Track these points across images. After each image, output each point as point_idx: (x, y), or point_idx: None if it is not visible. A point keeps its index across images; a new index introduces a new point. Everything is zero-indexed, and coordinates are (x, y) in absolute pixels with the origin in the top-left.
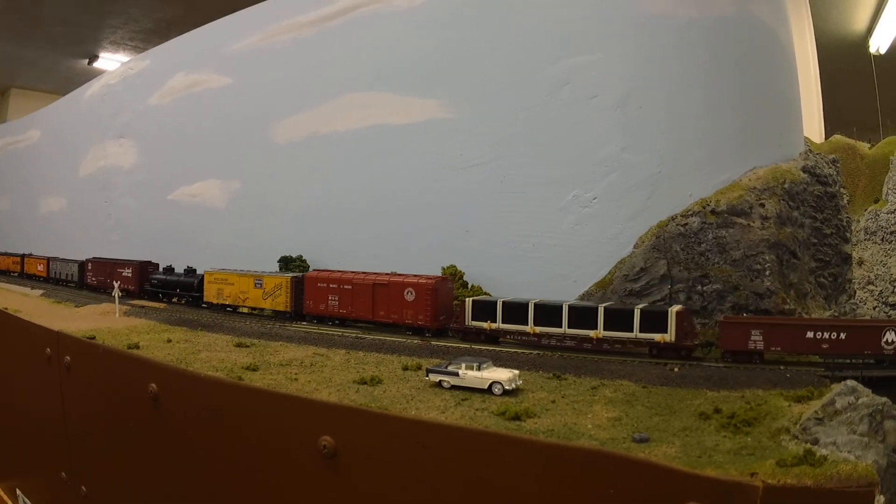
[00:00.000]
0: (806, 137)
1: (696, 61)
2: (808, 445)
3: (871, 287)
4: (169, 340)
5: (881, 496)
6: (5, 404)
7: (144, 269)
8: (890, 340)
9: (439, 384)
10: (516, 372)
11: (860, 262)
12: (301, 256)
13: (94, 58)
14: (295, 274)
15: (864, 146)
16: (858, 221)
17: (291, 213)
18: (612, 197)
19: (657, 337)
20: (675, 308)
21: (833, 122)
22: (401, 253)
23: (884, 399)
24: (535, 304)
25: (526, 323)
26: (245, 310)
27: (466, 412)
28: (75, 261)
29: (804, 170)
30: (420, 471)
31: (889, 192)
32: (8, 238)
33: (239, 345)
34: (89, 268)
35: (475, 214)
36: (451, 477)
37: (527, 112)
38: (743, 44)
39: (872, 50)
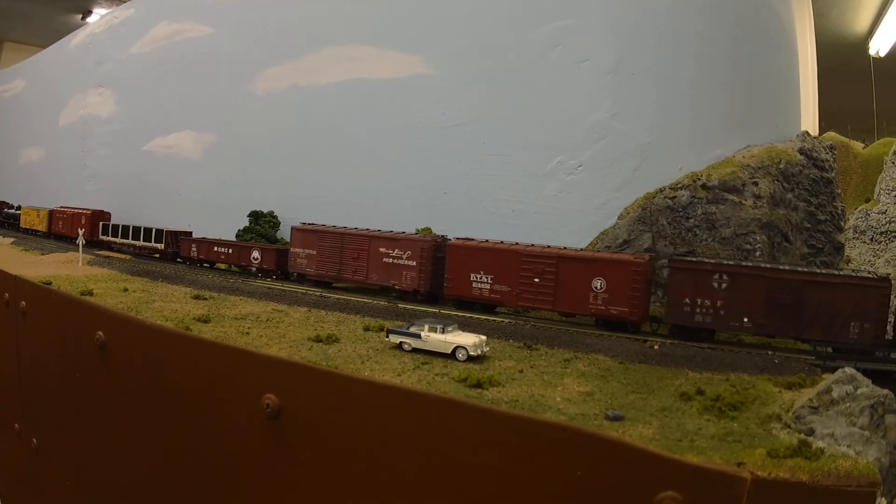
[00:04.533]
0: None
1: (692, 31)
2: (803, 436)
3: None
4: (125, 290)
5: (882, 499)
6: None
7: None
8: (255, 256)
9: (399, 346)
10: (483, 338)
11: (847, 261)
12: (272, 212)
13: (87, 13)
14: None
15: (857, 145)
16: (848, 220)
17: (266, 168)
18: (598, 165)
19: (159, 245)
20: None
21: (828, 119)
22: (376, 212)
23: (885, 391)
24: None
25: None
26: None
27: (424, 376)
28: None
29: (801, 151)
30: (369, 436)
31: (881, 192)
32: None
33: (197, 297)
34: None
35: (455, 176)
36: (401, 444)
37: (514, 73)
38: (743, 18)
39: (872, 52)
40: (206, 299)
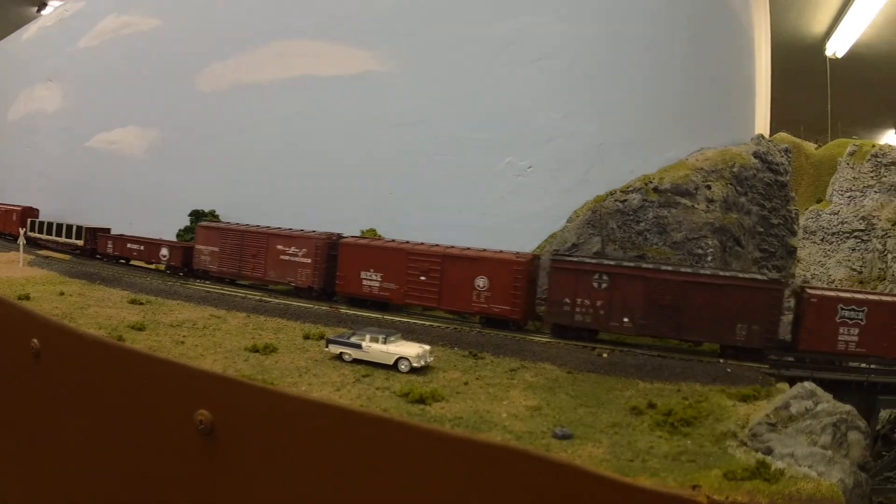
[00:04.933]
0: (759, 134)
1: (649, 32)
2: (761, 455)
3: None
4: (62, 293)
5: None
6: None
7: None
8: (164, 254)
9: (340, 356)
10: (427, 347)
11: (797, 261)
12: (213, 211)
13: (42, 5)
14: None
15: (810, 146)
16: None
17: (210, 166)
18: (549, 167)
19: (79, 242)
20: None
21: (781, 120)
22: (321, 211)
23: (847, 407)
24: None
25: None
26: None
27: (365, 391)
28: None
29: (755, 155)
30: (306, 456)
31: (834, 193)
32: None
33: (133, 301)
34: None
35: (402, 175)
36: (340, 466)
37: (465, 71)
38: (701, 19)
39: (829, 53)
40: (142, 304)
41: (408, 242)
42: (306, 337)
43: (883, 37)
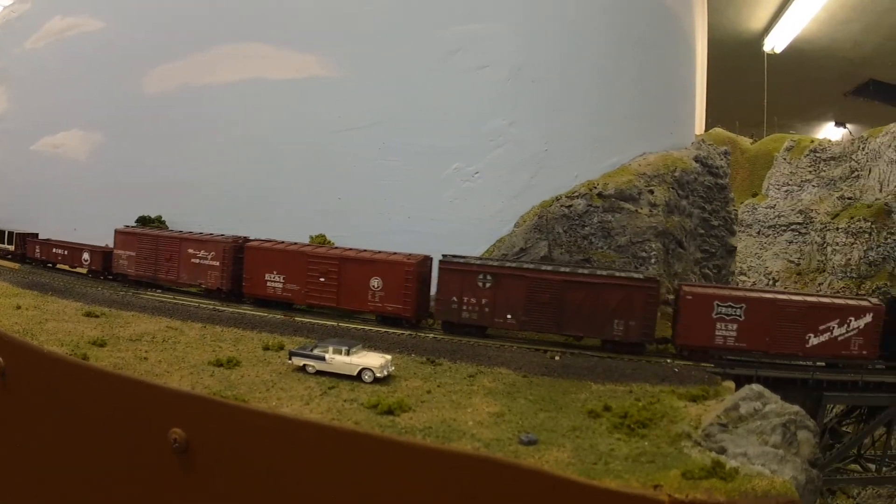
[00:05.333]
0: (699, 138)
1: (594, 39)
2: (715, 455)
3: (742, 277)
4: (18, 307)
5: None
6: None
7: None
8: (86, 258)
9: (303, 368)
10: (388, 357)
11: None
12: (160, 217)
13: None
14: None
15: (745, 141)
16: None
17: (155, 171)
18: (495, 172)
19: (10, 247)
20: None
21: (717, 115)
22: (270, 217)
23: (795, 408)
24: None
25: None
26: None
27: (334, 403)
28: None
29: (696, 159)
30: (282, 471)
31: (770, 187)
32: None
33: (89, 314)
34: None
35: (350, 181)
36: (316, 480)
37: (413, 77)
38: (644, 25)
39: (767, 48)
40: (97, 316)
41: (308, 245)
42: (266, 348)
43: (824, 32)
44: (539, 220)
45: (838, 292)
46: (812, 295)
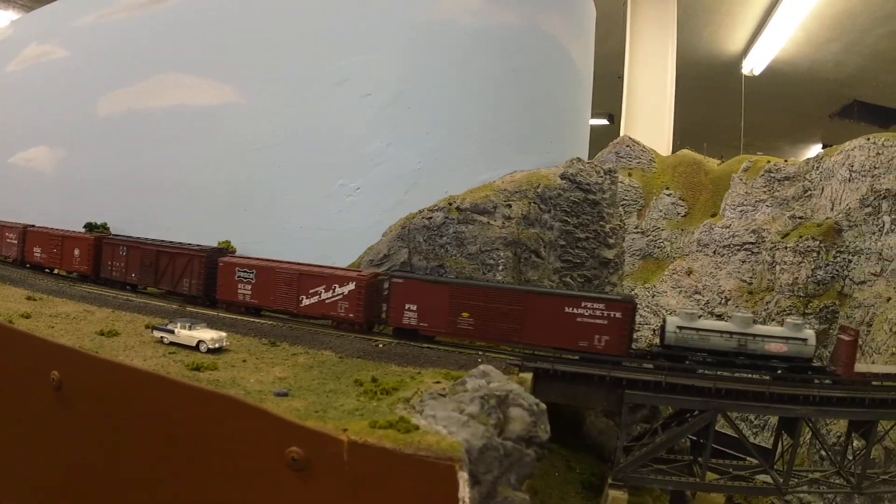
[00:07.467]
0: (650, 149)
1: (472, 67)
2: (406, 413)
3: (697, 297)
4: None
5: (464, 472)
6: None
7: None
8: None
9: (161, 340)
10: (223, 334)
11: (689, 272)
12: (105, 224)
13: None
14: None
15: (712, 162)
16: (692, 233)
17: (103, 183)
18: (374, 188)
19: None
20: None
21: (695, 137)
22: (188, 225)
23: (514, 386)
24: None
25: None
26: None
27: (162, 362)
28: None
29: (563, 176)
30: (119, 402)
31: (727, 207)
32: None
33: (30, 298)
34: None
35: (254, 194)
36: (138, 407)
37: (307, 104)
38: (525, 54)
39: (745, 71)
40: (36, 300)
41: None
42: (147, 326)
43: (805, 53)
44: (402, 231)
45: (785, 310)
46: (306, 265)
